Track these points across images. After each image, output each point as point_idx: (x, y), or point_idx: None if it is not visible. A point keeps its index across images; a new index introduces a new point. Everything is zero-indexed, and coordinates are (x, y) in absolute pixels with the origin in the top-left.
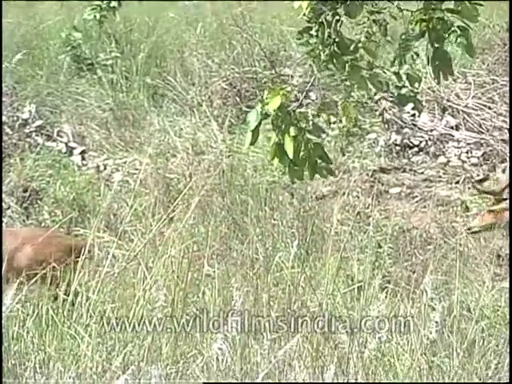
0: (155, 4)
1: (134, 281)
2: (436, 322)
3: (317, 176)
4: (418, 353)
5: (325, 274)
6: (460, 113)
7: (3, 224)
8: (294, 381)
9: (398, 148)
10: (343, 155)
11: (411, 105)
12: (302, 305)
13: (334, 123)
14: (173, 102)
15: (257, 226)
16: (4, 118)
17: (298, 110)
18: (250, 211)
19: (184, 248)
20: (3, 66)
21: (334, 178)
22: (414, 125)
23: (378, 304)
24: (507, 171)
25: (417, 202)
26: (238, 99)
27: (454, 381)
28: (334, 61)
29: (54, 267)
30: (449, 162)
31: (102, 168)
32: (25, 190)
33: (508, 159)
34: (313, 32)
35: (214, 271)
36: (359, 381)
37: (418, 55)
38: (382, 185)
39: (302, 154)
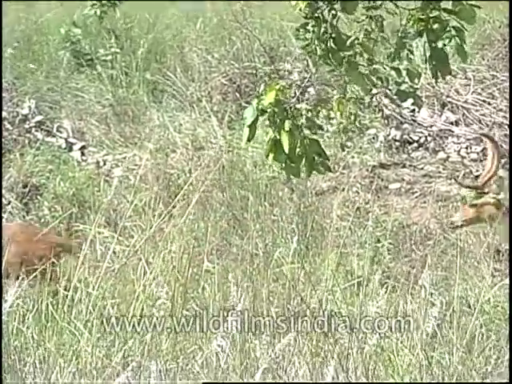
0: (155, 4)
1: (133, 277)
2: (435, 317)
3: (315, 172)
4: (418, 348)
5: (324, 269)
6: (460, 108)
7: (3, 220)
8: (293, 376)
9: (397, 143)
10: (343, 151)
11: (411, 100)
12: (302, 300)
13: (333, 119)
14: (172, 98)
15: (256, 221)
16: (4, 114)
17: (295, 106)
18: (249, 207)
19: (184, 244)
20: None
21: (333, 174)
22: (414, 120)
23: (377, 299)
24: (507, 167)
25: (416, 197)
26: (237, 95)
27: (454, 376)
28: (331, 56)
29: (35, 264)
30: (448, 157)
31: (101, 163)
32: (25, 186)
33: (508, 155)
34: (309, 27)
35: (214, 267)
36: (359, 376)
37: (412, 52)
38: (382, 180)
39: (298, 150)
